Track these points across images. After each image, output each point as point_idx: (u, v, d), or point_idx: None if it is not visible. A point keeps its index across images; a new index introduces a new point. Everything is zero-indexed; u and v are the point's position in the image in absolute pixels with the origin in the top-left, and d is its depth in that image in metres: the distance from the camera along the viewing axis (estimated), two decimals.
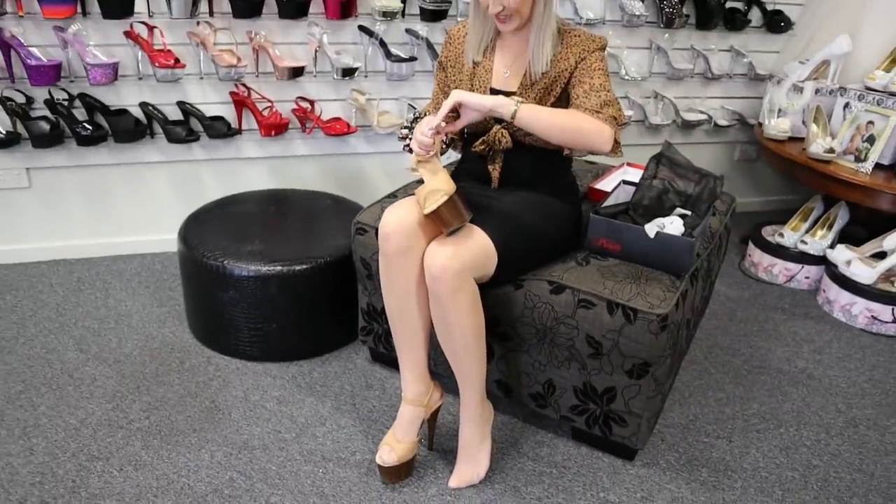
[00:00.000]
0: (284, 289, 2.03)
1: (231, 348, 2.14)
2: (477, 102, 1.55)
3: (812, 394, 2.14)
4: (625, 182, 1.99)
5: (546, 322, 1.71)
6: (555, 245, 1.78)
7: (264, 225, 2.25)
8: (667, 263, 1.71)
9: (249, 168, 2.75)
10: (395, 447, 1.69)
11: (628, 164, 2.25)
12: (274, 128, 2.59)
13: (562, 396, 1.80)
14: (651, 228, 1.71)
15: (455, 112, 1.60)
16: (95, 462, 1.72)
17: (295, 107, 2.64)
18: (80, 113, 2.43)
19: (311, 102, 2.64)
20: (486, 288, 1.68)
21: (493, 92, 1.74)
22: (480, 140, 1.75)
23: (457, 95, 1.54)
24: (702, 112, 3.06)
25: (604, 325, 1.64)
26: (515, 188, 1.77)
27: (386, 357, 2.12)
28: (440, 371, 1.90)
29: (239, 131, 2.62)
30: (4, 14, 2.22)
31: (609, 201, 1.92)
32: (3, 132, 2.35)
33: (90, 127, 2.40)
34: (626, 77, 2.88)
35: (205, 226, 2.20)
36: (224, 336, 2.13)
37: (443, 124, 1.56)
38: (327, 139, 2.74)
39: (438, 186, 1.52)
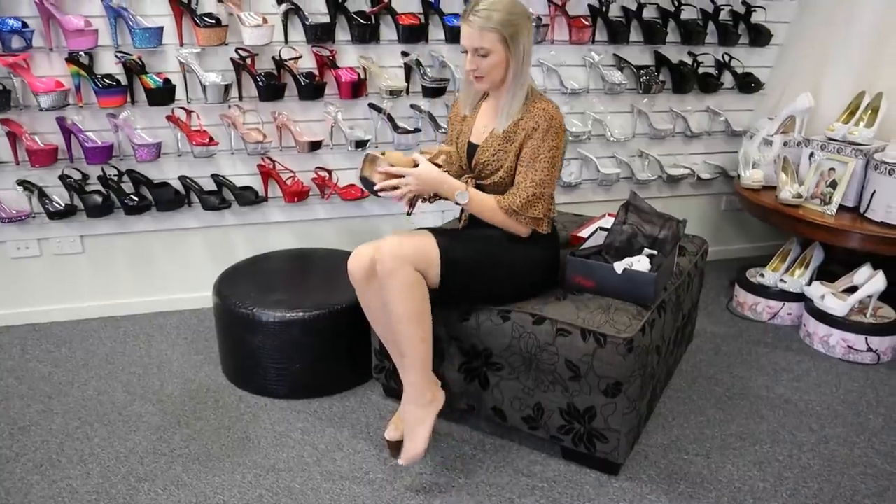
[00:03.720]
0: (306, 333, 2.31)
1: (260, 387, 2.40)
2: (430, 191, 1.97)
3: (787, 416, 2.34)
4: (601, 229, 2.26)
5: (531, 350, 1.96)
6: (523, 281, 2.04)
7: (288, 279, 2.55)
8: (633, 296, 1.97)
9: (275, 231, 3.07)
10: (398, 426, 2.01)
11: (608, 214, 2.53)
12: (297, 195, 2.91)
13: (550, 418, 2.03)
14: (619, 266, 1.97)
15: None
16: (143, 483, 1.98)
17: (315, 176, 2.97)
18: (127, 186, 2.78)
19: (329, 171, 2.97)
20: (468, 315, 1.94)
21: (470, 145, 2.07)
22: None
23: (413, 188, 1.93)
24: (685, 167, 3.35)
25: (579, 350, 1.88)
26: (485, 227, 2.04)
27: (397, 393, 2.36)
28: None
29: (266, 199, 2.95)
30: (67, 105, 2.60)
31: (588, 244, 2.19)
32: (62, 204, 2.70)
33: (136, 198, 2.75)
34: (612, 139, 3.18)
35: (236, 281, 2.50)
36: (253, 377, 2.40)
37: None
38: (344, 204, 3.06)
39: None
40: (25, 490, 1.95)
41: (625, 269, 1.95)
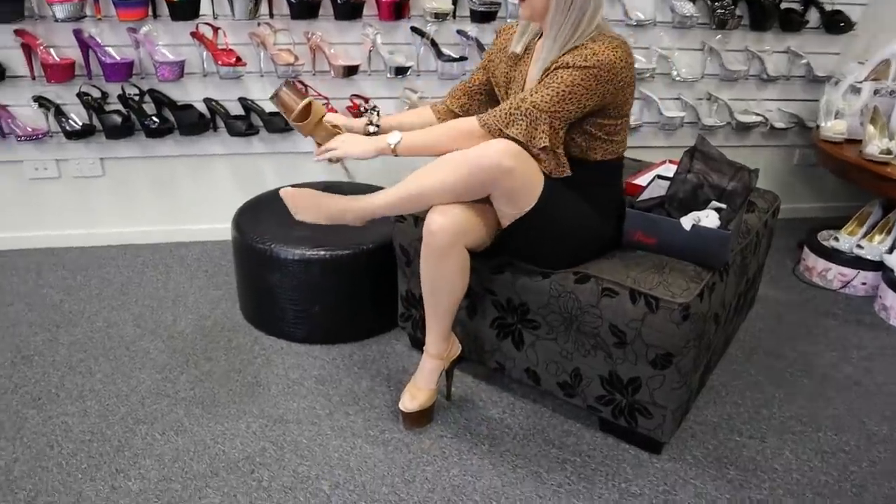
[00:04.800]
0: (327, 273, 2.12)
1: (276, 329, 2.24)
2: (360, 153, 1.75)
3: (857, 400, 2.08)
4: (659, 177, 1.99)
5: (571, 311, 1.73)
6: (586, 249, 1.77)
7: None
8: (703, 257, 1.71)
9: (306, 162, 2.87)
10: (416, 395, 1.83)
11: (669, 161, 2.25)
12: None
13: (589, 386, 1.81)
14: (687, 221, 1.70)
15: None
16: (141, 425, 1.84)
17: (350, 104, 2.75)
18: (149, 107, 2.59)
19: (366, 100, 2.74)
20: (502, 268, 1.72)
21: None
22: None
23: (340, 152, 1.75)
24: (757, 114, 3.01)
25: (627, 314, 1.65)
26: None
27: (422, 344, 2.18)
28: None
29: None
30: (84, 17, 2.40)
31: (644, 195, 1.93)
32: (80, 124, 2.54)
33: (158, 120, 2.57)
34: (678, 79, 2.86)
35: (258, 214, 2.31)
36: (270, 317, 2.23)
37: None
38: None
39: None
40: (19, 424, 1.84)
41: (693, 225, 1.69)
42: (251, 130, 2.65)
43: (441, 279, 1.71)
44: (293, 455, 1.76)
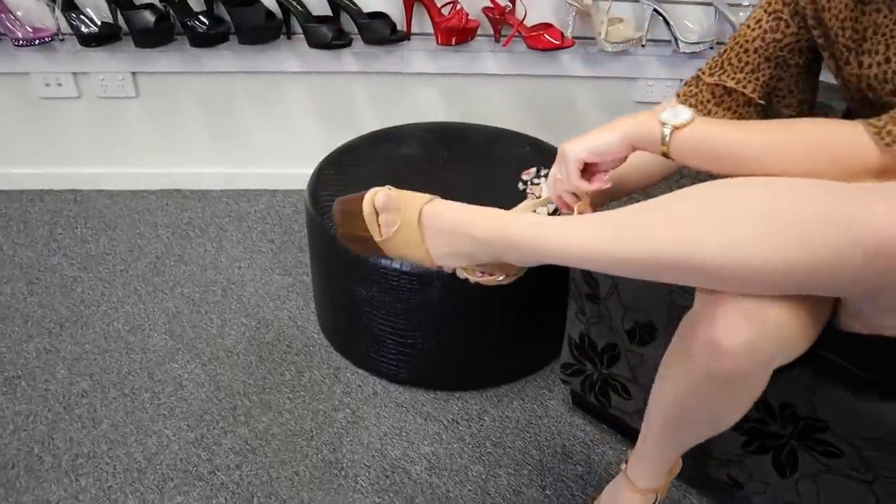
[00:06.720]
0: (452, 294, 1.33)
1: (369, 362, 1.48)
2: (593, 147, 0.89)
3: None
4: None
5: None
6: None
7: (432, 180, 1.52)
8: None
9: (418, 88, 2.03)
10: None
11: None
12: (456, 33, 1.84)
13: None
14: None
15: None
16: None
17: (488, 5, 1.86)
18: (196, 2, 1.79)
19: (513, 0, 1.85)
20: (818, 383, 0.88)
21: None
22: None
23: (571, 151, 0.91)
24: None
25: None
26: None
27: (595, 409, 1.39)
28: None
29: (407, 36, 1.88)
30: None
31: None
32: (97, 23, 1.76)
33: (207, 21, 1.76)
34: None
35: (347, 175, 1.51)
36: (360, 344, 1.47)
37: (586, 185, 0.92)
38: (530, 54, 1.95)
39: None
40: None
41: None
42: (341, 40, 1.82)
43: (707, 412, 0.87)
44: None
